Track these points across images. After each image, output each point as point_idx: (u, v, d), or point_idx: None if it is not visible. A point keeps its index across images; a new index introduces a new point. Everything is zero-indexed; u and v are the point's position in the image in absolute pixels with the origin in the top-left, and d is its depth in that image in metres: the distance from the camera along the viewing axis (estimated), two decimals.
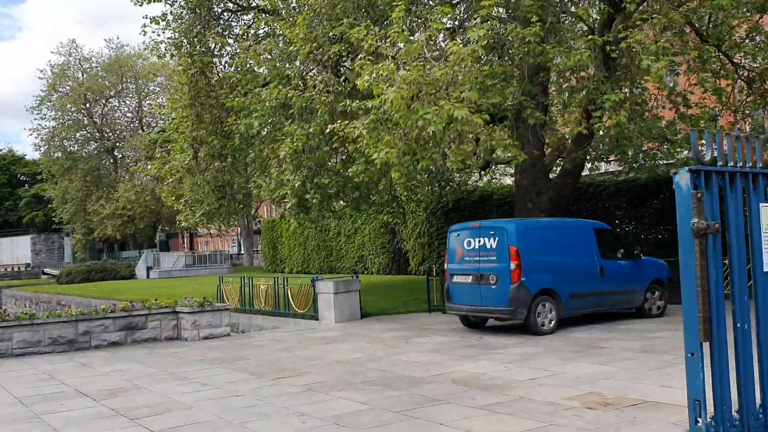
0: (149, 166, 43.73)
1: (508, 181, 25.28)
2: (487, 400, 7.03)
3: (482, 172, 22.64)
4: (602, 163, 19.80)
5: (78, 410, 7.48)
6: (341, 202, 18.30)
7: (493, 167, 23.49)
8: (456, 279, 12.37)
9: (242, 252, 58.29)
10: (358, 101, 12.21)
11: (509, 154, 11.93)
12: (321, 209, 16.66)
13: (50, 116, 57.91)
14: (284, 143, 14.53)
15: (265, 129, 16.36)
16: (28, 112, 69.55)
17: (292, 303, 15.93)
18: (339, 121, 12.21)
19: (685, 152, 16.42)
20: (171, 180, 19.58)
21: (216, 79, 18.60)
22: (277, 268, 40.21)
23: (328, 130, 12.65)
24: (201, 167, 18.74)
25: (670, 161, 16.53)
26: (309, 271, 35.92)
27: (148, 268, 45.76)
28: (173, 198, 20.00)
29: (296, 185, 14.79)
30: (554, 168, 18.02)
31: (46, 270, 68.36)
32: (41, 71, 63.05)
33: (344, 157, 15.12)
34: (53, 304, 34.76)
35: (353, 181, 15.97)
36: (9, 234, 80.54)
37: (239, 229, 55.94)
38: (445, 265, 12.78)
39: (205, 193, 18.99)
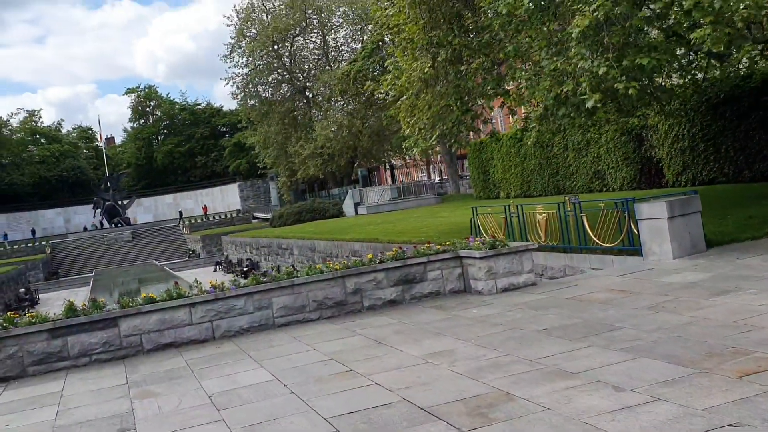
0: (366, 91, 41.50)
1: None
2: None
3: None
4: None
5: None
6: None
7: None
8: None
9: (445, 179, 55.34)
10: None
11: None
12: (629, 106, 12.41)
13: (242, 63, 58.35)
14: (579, 14, 10.44)
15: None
16: (222, 62, 71.43)
17: (591, 234, 12.05)
18: None
19: None
20: (405, 97, 16.26)
21: None
22: (490, 194, 36.57)
23: None
24: (441, 75, 15.24)
25: None
26: (530, 194, 31.91)
27: (356, 204, 44.40)
28: (408, 119, 16.69)
29: (599, 72, 10.66)
30: None
31: (256, 214, 71.00)
32: (227, 17, 63.61)
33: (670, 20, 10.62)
34: (274, 248, 34.07)
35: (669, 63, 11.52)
36: (219, 183, 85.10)
37: (438, 156, 52.93)
38: None
39: (448, 107, 15.50)
